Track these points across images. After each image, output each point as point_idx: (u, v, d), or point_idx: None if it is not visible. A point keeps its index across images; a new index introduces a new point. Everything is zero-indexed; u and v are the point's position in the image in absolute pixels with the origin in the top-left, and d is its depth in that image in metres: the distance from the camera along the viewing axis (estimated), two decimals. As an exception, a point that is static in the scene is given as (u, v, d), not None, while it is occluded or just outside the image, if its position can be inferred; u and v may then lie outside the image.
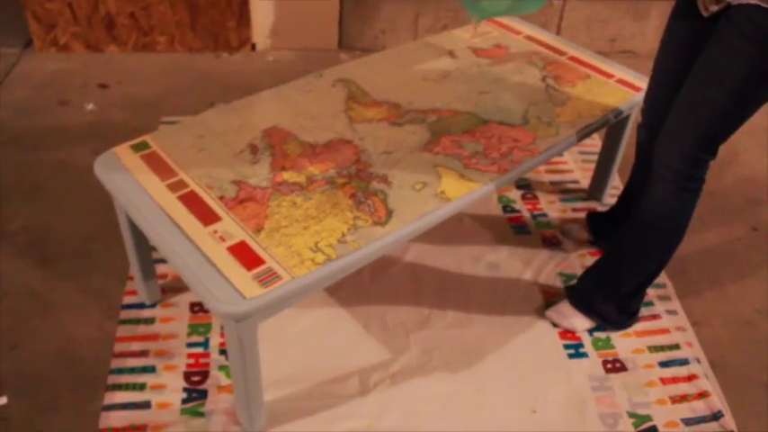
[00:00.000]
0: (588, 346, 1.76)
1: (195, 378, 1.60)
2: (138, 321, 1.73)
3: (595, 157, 2.24)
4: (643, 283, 1.75)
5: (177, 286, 1.82)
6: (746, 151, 2.61)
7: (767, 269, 2.07)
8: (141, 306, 1.77)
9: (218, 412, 1.53)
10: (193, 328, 1.72)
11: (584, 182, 2.35)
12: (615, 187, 2.28)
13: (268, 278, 1.26)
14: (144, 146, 1.58)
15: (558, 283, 1.94)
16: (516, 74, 1.98)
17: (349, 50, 3.11)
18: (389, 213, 1.43)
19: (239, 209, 1.41)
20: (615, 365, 1.72)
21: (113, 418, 1.50)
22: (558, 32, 3.17)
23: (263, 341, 1.36)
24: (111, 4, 2.79)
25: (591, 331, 1.80)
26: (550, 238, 2.11)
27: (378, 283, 1.88)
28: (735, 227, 2.24)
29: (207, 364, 1.63)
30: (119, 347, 1.66)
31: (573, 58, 2.08)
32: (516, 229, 2.13)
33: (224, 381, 1.59)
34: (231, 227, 1.36)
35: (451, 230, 2.06)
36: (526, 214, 2.19)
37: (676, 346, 1.78)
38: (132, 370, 1.61)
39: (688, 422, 1.60)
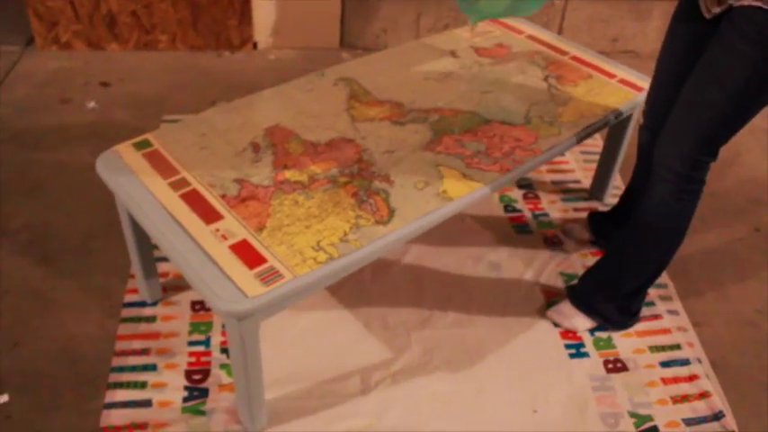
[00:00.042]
0: (589, 346, 1.76)
1: (196, 376, 1.60)
2: (139, 319, 1.73)
3: (597, 157, 2.24)
4: (644, 284, 1.75)
5: (178, 284, 1.82)
6: (748, 152, 2.61)
7: (768, 270, 2.08)
8: (142, 304, 1.77)
9: (220, 411, 1.53)
10: (194, 327, 1.72)
11: (586, 182, 2.35)
12: (617, 187, 2.28)
13: (270, 277, 1.26)
14: (146, 144, 1.58)
15: (560, 283, 1.94)
16: (518, 73, 1.97)
17: (350, 49, 3.11)
18: (391, 212, 1.43)
19: (241, 207, 1.41)
20: (616, 365, 1.72)
21: (114, 416, 1.50)
22: (560, 32, 3.17)
23: (264, 340, 1.36)
24: (112, 2, 2.79)
25: (592, 331, 1.80)
26: (552, 237, 2.11)
27: (379, 283, 1.88)
28: (736, 227, 2.24)
29: (208, 363, 1.63)
30: (120, 345, 1.66)
31: (575, 58, 2.08)
32: (518, 229, 2.13)
33: (225, 379, 1.59)
34: (233, 225, 1.36)
35: (453, 230, 2.06)
36: (527, 214, 2.19)
37: (677, 347, 1.78)
38: (133, 368, 1.61)
39: (689, 422, 1.60)
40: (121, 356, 1.63)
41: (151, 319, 1.73)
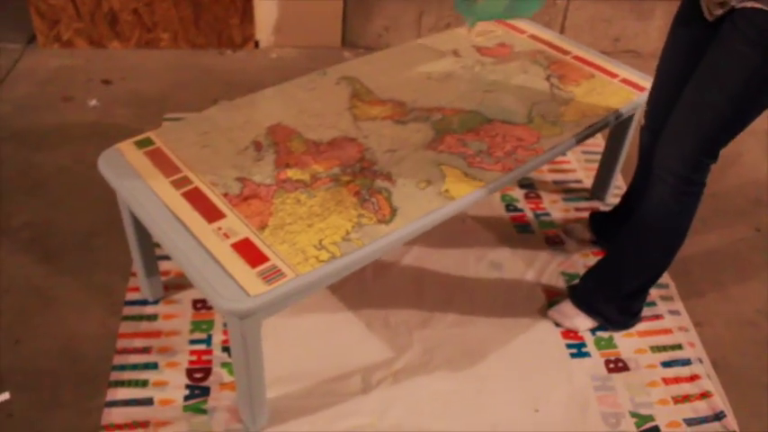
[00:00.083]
0: (591, 346, 1.76)
1: (198, 375, 1.60)
2: (140, 318, 1.73)
3: (598, 157, 2.24)
4: (645, 284, 1.75)
5: (180, 283, 1.82)
6: (749, 152, 2.61)
7: (770, 270, 2.08)
8: (144, 303, 1.77)
9: (221, 409, 1.53)
10: (196, 325, 1.72)
11: (587, 181, 2.35)
12: (618, 187, 2.28)
13: (272, 275, 1.26)
14: (148, 142, 1.58)
15: (561, 283, 1.94)
16: (520, 73, 1.97)
17: (352, 48, 3.10)
18: (393, 211, 1.43)
19: (243, 206, 1.41)
20: (618, 365, 1.72)
21: (116, 414, 1.50)
22: (562, 32, 3.17)
23: (265, 339, 1.36)
24: (114, 0, 2.79)
25: (593, 331, 1.80)
26: (553, 237, 2.11)
27: (380, 282, 1.88)
28: (737, 228, 2.24)
29: (209, 362, 1.63)
30: (121, 344, 1.66)
31: (577, 58, 2.08)
32: (519, 229, 2.13)
33: (226, 378, 1.59)
34: (235, 224, 1.36)
35: (454, 229, 2.06)
36: (529, 213, 2.19)
37: (679, 347, 1.78)
38: (135, 366, 1.61)
39: (690, 422, 1.60)
40: (123, 355, 1.63)
41: (152, 317, 1.73)
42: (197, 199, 1.42)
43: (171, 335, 1.69)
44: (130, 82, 2.71)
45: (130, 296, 1.78)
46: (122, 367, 1.60)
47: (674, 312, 1.88)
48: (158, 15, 2.86)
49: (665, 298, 1.93)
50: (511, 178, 1.59)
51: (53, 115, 2.48)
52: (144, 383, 1.57)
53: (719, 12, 1.40)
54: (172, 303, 1.77)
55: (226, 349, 1.66)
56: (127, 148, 1.56)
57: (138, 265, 1.70)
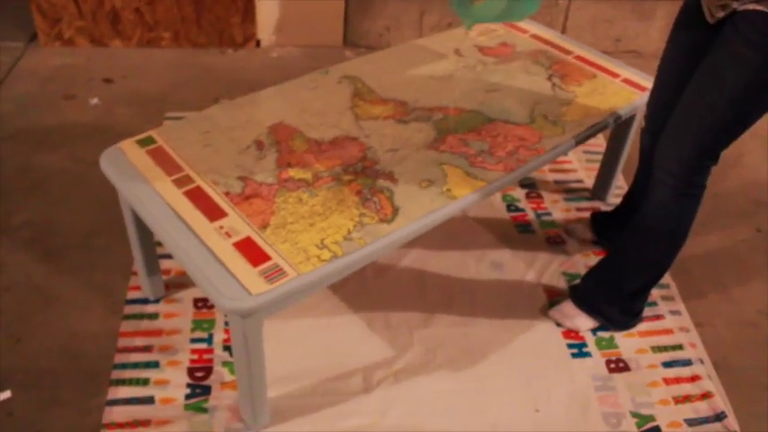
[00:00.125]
0: (592, 346, 1.76)
1: (199, 374, 1.60)
2: (141, 317, 1.73)
3: (600, 157, 2.24)
4: (646, 285, 1.75)
5: (181, 282, 1.82)
6: (750, 153, 2.61)
7: (771, 271, 2.08)
8: (145, 301, 1.77)
9: (222, 408, 1.53)
10: (197, 324, 1.72)
11: (589, 181, 2.35)
12: (619, 187, 2.28)
13: (274, 274, 1.26)
14: (149, 141, 1.58)
15: (562, 283, 1.94)
16: (522, 72, 1.97)
17: (354, 47, 3.10)
18: (395, 211, 1.43)
19: (245, 205, 1.41)
20: (618, 365, 1.72)
21: (117, 413, 1.50)
22: (564, 32, 3.17)
23: (267, 338, 1.36)
24: (115, -2, 2.79)
25: (594, 331, 1.80)
26: (554, 237, 2.11)
27: (382, 281, 1.88)
28: (738, 229, 2.24)
29: (210, 360, 1.63)
30: (122, 342, 1.66)
31: (579, 58, 2.08)
32: (520, 228, 2.13)
33: (228, 377, 1.59)
34: (237, 223, 1.36)
35: (455, 229, 2.06)
36: (530, 213, 2.19)
37: (680, 347, 1.78)
38: (136, 365, 1.61)
39: (691, 423, 1.60)
40: (124, 353, 1.63)
41: (153, 316, 1.73)
42: (199, 198, 1.42)
43: (172, 333, 1.69)
44: (132, 81, 2.71)
45: (131, 295, 1.78)
46: (123, 366, 1.60)
47: (675, 313, 1.88)
48: (160, 14, 2.86)
49: (666, 298, 1.93)
50: (512, 178, 1.59)
51: (54, 114, 2.48)
52: (145, 382, 1.57)
53: (721, 14, 1.40)
54: (173, 302, 1.77)
55: (227, 348, 1.66)
56: (128, 146, 1.55)
57: (139, 263, 1.70)
